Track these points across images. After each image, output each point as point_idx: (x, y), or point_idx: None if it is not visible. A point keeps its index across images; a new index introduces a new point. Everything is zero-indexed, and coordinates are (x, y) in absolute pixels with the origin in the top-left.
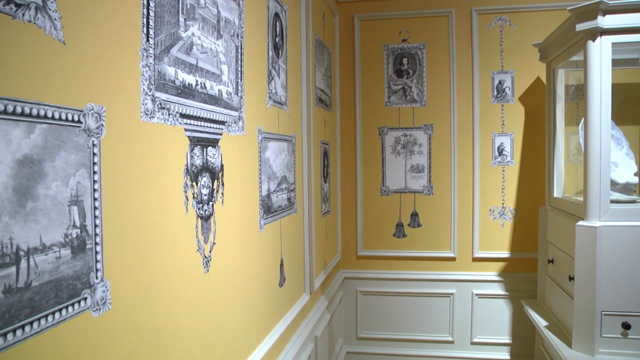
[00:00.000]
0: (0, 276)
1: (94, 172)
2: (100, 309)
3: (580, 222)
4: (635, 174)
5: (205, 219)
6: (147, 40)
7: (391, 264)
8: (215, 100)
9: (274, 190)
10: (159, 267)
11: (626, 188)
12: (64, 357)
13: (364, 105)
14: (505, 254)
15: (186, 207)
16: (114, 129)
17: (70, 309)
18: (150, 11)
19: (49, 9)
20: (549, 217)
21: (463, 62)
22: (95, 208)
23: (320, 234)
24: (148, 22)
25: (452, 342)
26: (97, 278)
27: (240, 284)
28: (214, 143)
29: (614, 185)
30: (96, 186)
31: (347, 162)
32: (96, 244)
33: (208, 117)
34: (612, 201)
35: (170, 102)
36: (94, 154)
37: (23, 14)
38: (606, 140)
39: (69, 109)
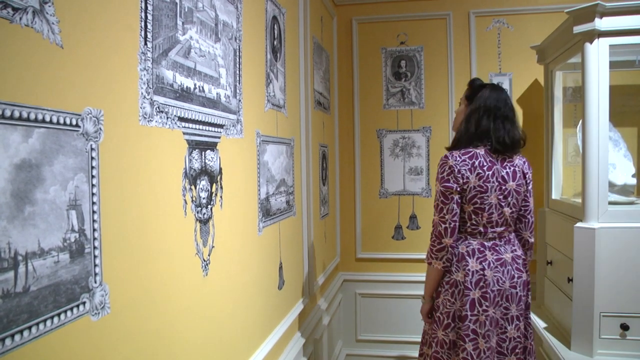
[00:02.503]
0: None
1: (92, 176)
2: (99, 313)
3: (579, 224)
4: (633, 176)
5: (204, 222)
6: (145, 43)
7: (390, 266)
8: (213, 103)
9: (273, 193)
10: (158, 271)
11: (624, 189)
12: None
13: (362, 107)
14: None
15: (185, 211)
16: (112, 132)
17: (69, 313)
18: (148, 15)
19: (47, 13)
20: (547, 218)
21: (461, 65)
22: (93, 212)
23: (319, 237)
24: (146, 26)
25: None
26: (95, 282)
27: (239, 287)
28: (212, 146)
29: (612, 186)
30: (94, 190)
31: (346, 164)
32: (95, 248)
33: (206, 120)
34: (611, 203)
35: (169, 105)
36: (92, 158)
37: (20, 18)
38: (604, 141)
39: (67, 113)
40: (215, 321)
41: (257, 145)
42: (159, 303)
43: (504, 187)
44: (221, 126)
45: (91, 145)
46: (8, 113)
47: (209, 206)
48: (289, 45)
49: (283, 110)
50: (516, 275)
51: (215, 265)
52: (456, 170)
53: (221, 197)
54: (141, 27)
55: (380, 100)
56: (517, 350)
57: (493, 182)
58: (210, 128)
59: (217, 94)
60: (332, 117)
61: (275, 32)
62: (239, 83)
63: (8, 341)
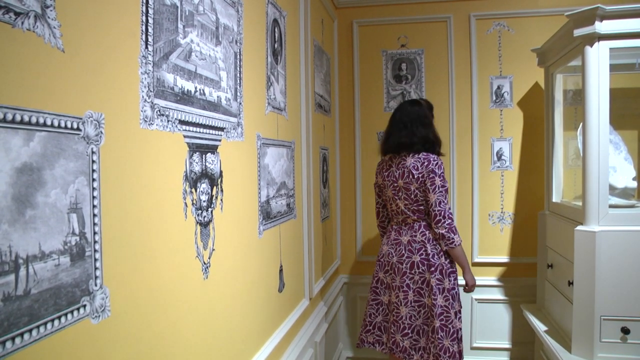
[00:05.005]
0: (0, 284)
1: (93, 180)
2: (99, 316)
3: (579, 227)
4: (634, 179)
5: (205, 225)
6: (146, 47)
7: None
8: (214, 106)
9: (273, 196)
10: (158, 274)
11: (625, 192)
12: None
13: (363, 110)
14: (504, 258)
15: (185, 214)
16: (113, 136)
17: (69, 316)
18: (149, 18)
19: (48, 17)
20: (548, 222)
21: (461, 68)
22: (94, 215)
23: (319, 240)
24: (147, 29)
25: None
26: (96, 285)
27: (239, 290)
28: (213, 149)
29: (612, 189)
30: (95, 193)
31: (346, 167)
32: (95, 251)
33: (207, 123)
34: (611, 206)
35: (169, 108)
36: (93, 162)
37: (22, 23)
38: (605, 144)
39: (68, 116)
40: (215, 324)
41: (258, 148)
42: (159, 306)
43: (395, 185)
44: (222, 129)
45: (92, 148)
46: (10, 117)
47: (210, 209)
48: (289, 48)
49: (284, 113)
50: (405, 255)
51: (216, 268)
52: (376, 172)
53: (222, 200)
54: (142, 30)
55: (381, 103)
56: (394, 312)
57: (388, 180)
58: (211, 131)
59: (217, 97)
60: (332, 119)
61: (276, 35)
62: (240, 86)
63: (9, 344)
